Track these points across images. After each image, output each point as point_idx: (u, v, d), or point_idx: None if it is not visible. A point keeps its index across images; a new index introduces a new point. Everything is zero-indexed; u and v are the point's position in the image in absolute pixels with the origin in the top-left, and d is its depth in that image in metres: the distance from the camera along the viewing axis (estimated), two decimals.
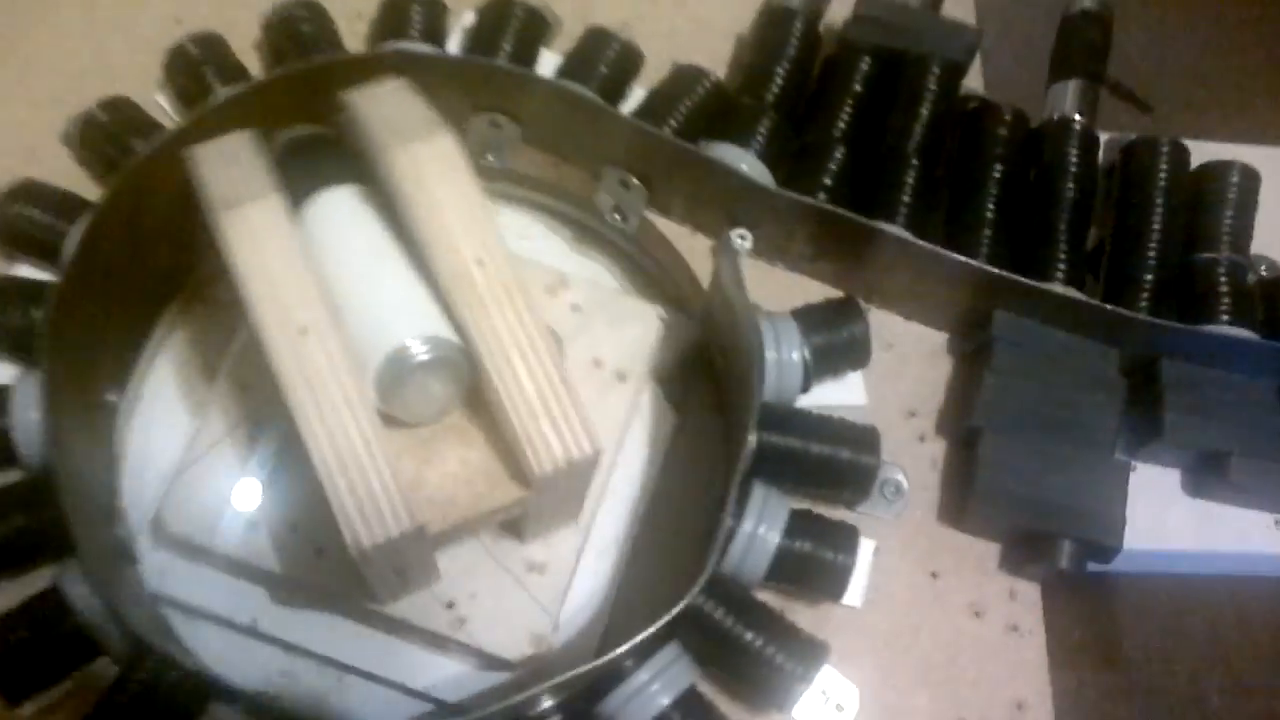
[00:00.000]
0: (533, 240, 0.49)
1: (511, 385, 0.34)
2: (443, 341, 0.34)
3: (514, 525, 0.39)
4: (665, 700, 0.37)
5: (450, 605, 0.39)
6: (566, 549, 0.40)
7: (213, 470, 0.40)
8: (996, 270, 0.43)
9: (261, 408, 0.40)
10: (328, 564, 0.38)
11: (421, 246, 0.35)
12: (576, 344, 0.42)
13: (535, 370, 0.34)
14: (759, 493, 0.40)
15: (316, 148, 0.41)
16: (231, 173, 0.36)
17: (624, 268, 0.49)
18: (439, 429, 0.36)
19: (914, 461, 0.44)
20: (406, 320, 0.35)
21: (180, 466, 0.40)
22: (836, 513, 0.42)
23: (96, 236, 0.40)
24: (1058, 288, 0.44)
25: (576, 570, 0.40)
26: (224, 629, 0.40)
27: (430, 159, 0.35)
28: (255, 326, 0.34)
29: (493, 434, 0.36)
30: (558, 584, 0.39)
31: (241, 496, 0.40)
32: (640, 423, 0.44)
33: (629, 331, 0.43)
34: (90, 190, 0.45)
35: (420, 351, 0.34)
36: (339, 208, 0.38)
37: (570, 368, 0.38)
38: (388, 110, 0.37)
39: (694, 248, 0.46)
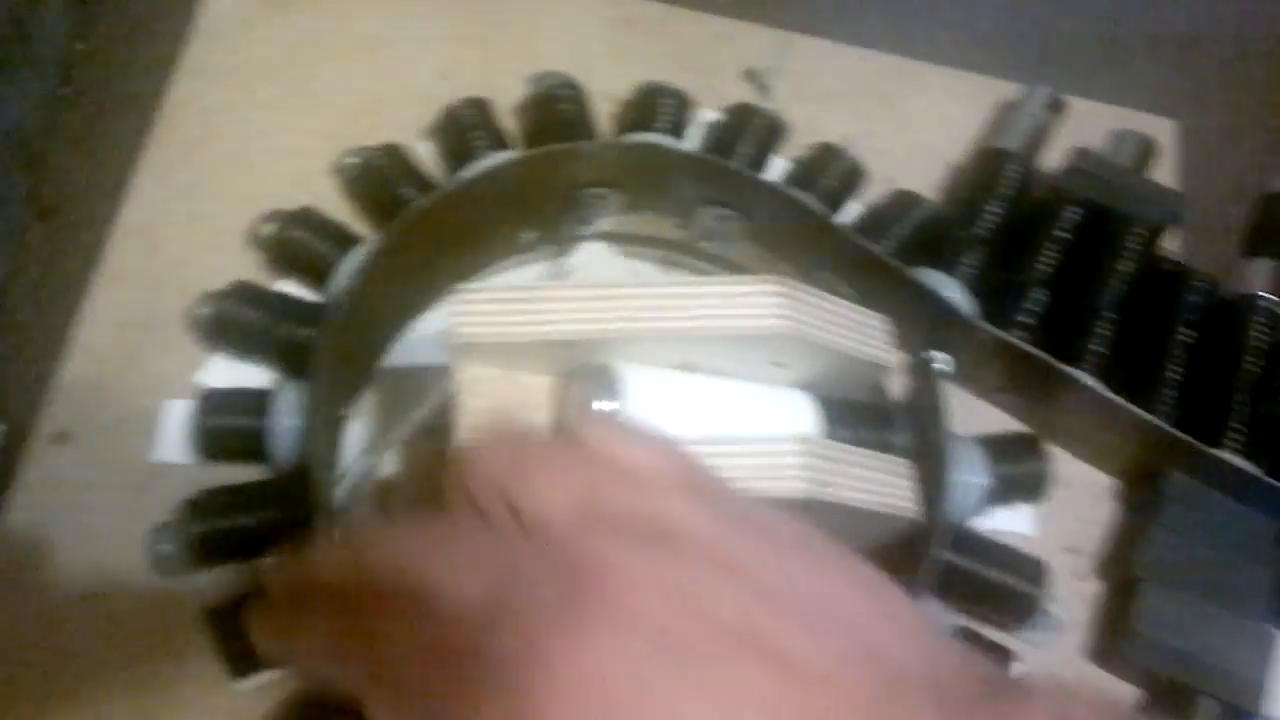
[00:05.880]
0: None
1: None
2: None
3: None
4: None
5: None
6: None
7: None
8: (1178, 432, 0.46)
9: None
10: None
11: None
12: None
13: None
14: (930, 606, 0.43)
15: None
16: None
17: None
18: None
19: (1068, 596, 0.47)
20: None
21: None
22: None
23: (369, 274, 0.44)
24: (1230, 457, 0.47)
25: None
26: None
27: None
28: None
29: None
30: None
31: None
32: None
33: None
34: (351, 220, 0.49)
35: None
36: None
37: None
38: None
39: None
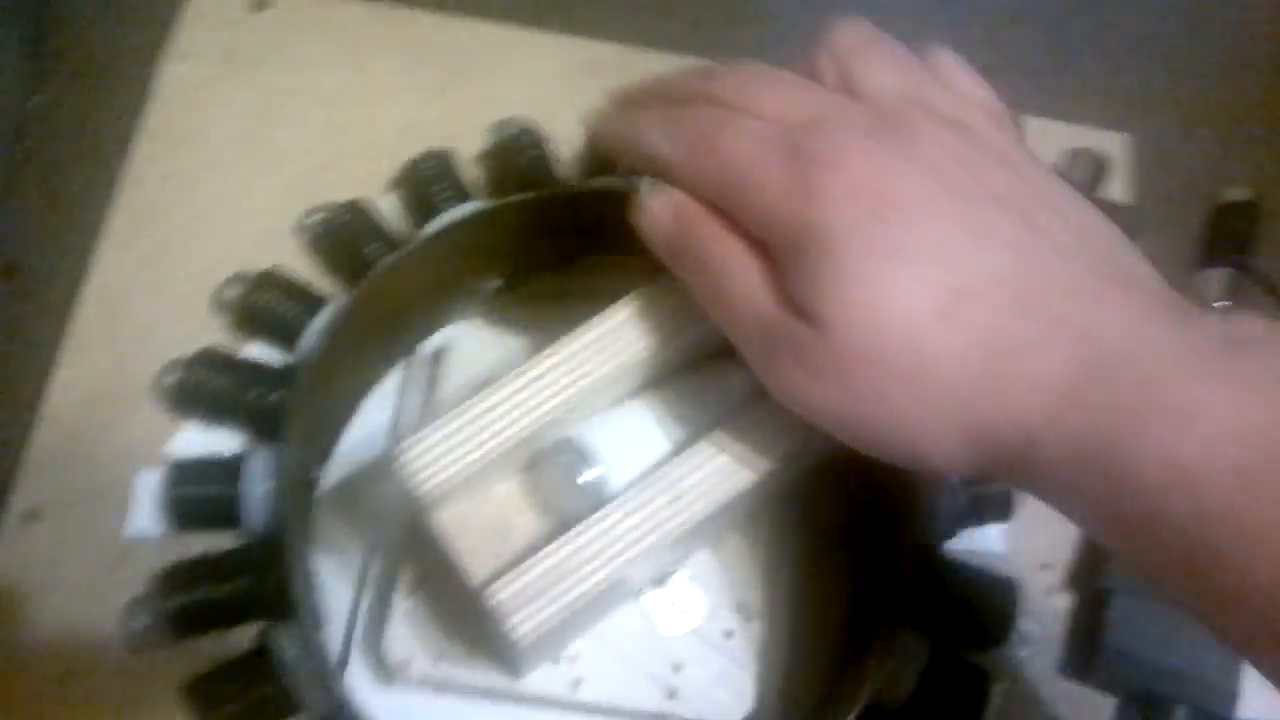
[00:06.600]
0: None
1: None
2: None
3: None
4: None
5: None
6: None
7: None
8: None
9: None
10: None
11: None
12: None
13: None
14: (905, 632, 0.43)
15: None
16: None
17: None
18: None
19: (1043, 612, 0.47)
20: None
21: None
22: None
23: (336, 334, 0.44)
24: None
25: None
26: None
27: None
28: None
29: None
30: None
31: None
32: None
33: None
34: (318, 280, 0.49)
35: None
36: None
37: None
38: None
39: None
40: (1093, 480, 0.27)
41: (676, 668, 0.42)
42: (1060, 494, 0.28)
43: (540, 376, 0.37)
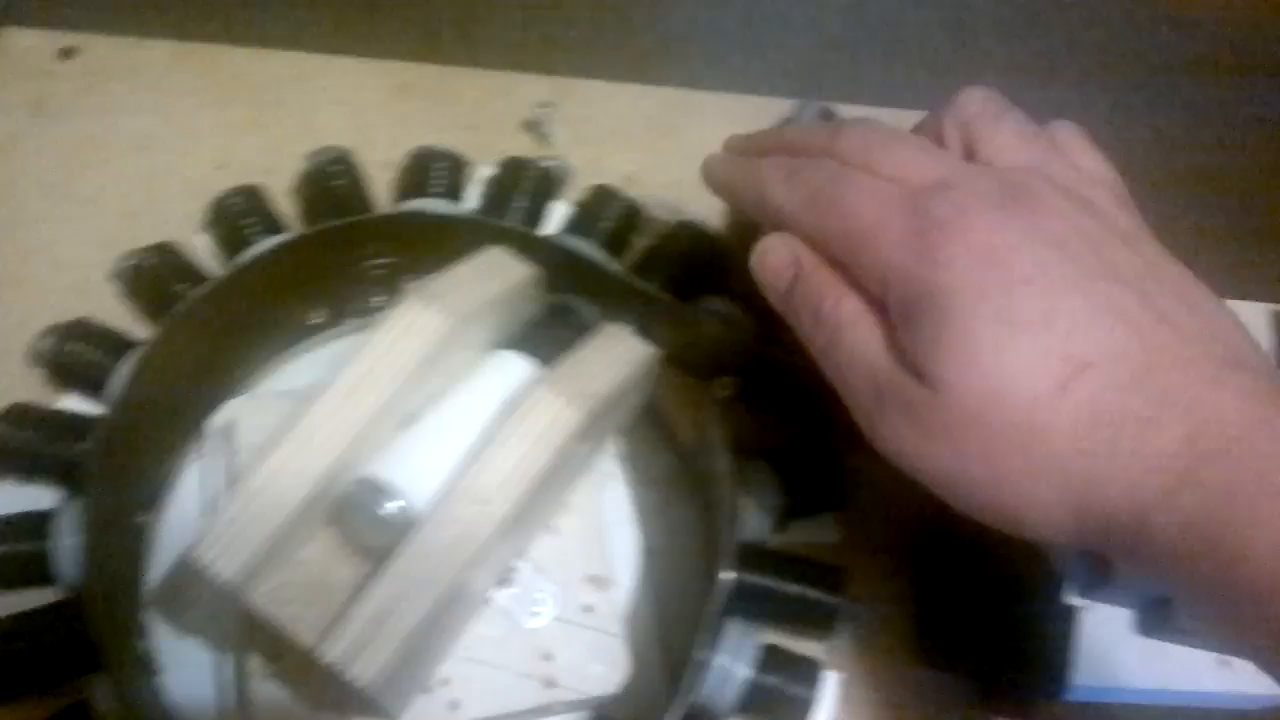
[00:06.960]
0: None
1: None
2: None
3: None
4: None
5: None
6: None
7: None
8: None
9: None
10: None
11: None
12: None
13: None
14: (732, 627, 0.43)
15: None
16: None
17: None
18: None
19: (883, 596, 0.48)
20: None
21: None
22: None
23: (141, 376, 0.44)
24: None
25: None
26: None
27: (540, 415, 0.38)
28: None
29: None
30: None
31: None
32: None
33: None
34: (133, 326, 0.49)
35: None
36: None
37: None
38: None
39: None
40: (1201, 561, 0.27)
41: (547, 657, 0.42)
42: (1167, 570, 0.28)
43: (312, 429, 0.37)
